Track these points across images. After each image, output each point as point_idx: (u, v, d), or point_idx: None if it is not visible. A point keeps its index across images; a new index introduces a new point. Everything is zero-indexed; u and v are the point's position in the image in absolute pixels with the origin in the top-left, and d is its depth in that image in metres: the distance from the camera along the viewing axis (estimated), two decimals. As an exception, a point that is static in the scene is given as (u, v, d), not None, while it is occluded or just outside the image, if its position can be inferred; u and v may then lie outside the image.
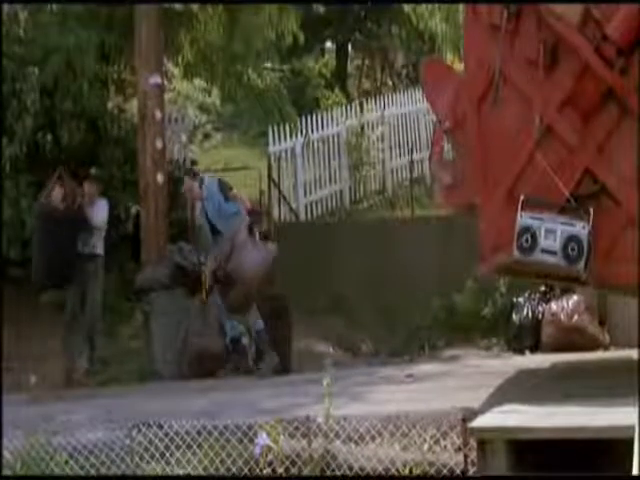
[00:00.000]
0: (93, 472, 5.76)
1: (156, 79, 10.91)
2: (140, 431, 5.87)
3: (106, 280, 11.30)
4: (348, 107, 15.45)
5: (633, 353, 8.18)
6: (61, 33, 11.23)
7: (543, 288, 10.01)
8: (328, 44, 20.74)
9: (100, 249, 10.41)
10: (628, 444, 4.76)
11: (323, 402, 5.58)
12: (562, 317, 9.66)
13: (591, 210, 6.35)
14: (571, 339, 9.50)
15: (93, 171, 11.12)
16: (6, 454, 5.85)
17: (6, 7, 11.92)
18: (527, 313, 10.01)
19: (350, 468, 5.55)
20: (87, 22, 11.93)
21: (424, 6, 14.90)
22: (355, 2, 17.94)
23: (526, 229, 6.35)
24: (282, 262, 10.84)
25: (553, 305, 9.79)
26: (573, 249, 6.29)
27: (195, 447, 5.76)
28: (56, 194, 10.10)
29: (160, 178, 10.80)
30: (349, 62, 21.04)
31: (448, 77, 7.28)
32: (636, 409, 4.90)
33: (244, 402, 7.58)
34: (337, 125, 14.76)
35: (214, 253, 9.72)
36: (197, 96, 18.68)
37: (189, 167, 12.48)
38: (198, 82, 16.89)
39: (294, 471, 5.45)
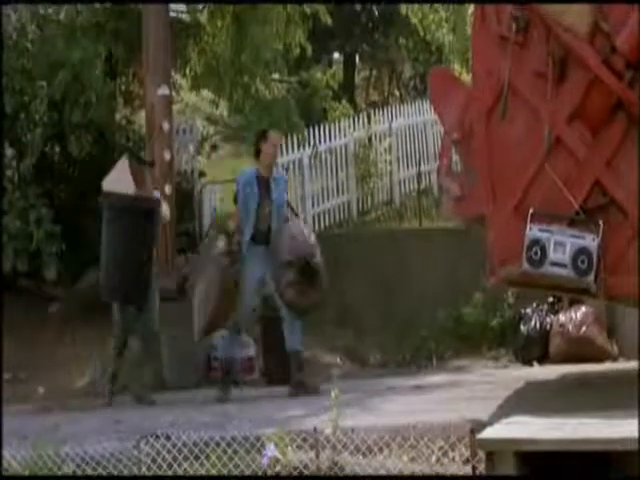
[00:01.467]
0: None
1: (164, 90, 10.95)
2: (148, 442, 5.87)
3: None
4: (356, 118, 15.47)
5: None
6: (68, 46, 11.27)
7: (551, 299, 10.00)
8: (335, 55, 20.78)
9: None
10: (637, 455, 4.76)
11: (331, 413, 5.57)
12: (570, 328, 9.64)
13: (600, 222, 6.36)
14: (579, 350, 9.48)
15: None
16: (14, 464, 5.85)
17: (14, 20, 11.99)
18: (535, 324, 10.00)
19: (358, 480, 5.55)
20: (95, 34, 11.98)
21: (431, 17, 14.92)
22: (367, 2, 17.88)
23: (535, 242, 6.35)
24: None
25: (561, 316, 9.78)
26: (583, 261, 6.29)
27: (203, 458, 5.76)
28: (128, 181, 8.15)
29: (168, 189, 10.84)
30: (356, 73, 21.07)
31: (456, 89, 7.29)
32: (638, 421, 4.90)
33: (252, 413, 7.58)
34: (345, 136, 14.77)
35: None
36: (205, 107, 18.71)
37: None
38: (206, 94, 16.93)
39: (302, 483, 5.45)
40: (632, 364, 8.89)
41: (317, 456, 5.58)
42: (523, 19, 6.57)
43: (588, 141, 6.49)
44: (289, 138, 13.69)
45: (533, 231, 6.38)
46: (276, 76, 15.67)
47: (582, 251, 6.30)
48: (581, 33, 6.41)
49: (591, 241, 6.31)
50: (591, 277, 6.30)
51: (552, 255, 6.32)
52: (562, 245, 6.32)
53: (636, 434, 4.79)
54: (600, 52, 6.38)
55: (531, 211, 6.42)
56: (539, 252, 6.33)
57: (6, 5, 11.61)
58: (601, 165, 6.46)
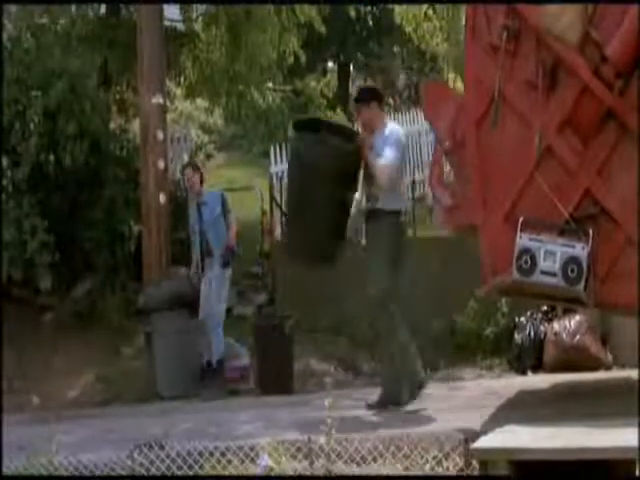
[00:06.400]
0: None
1: (158, 99, 10.96)
2: (141, 452, 5.87)
3: (108, 300, 11.33)
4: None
5: (635, 373, 8.18)
6: (64, 56, 11.28)
7: (545, 308, 10.00)
8: (330, 64, 20.84)
9: None
10: (630, 465, 4.77)
11: (325, 423, 5.57)
12: (564, 337, 9.63)
13: (590, 231, 6.38)
14: (573, 359, 9.47)
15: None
16: (8, 475, 5.85)
17: (10, 28, 12.00)
18: (529, 333, 9.98)
19: (352, 489, 5.54)
20: (90, 44, 12.00)
21: (425, 26, 14.96)
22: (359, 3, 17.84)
23: (525, 250, 6.37)
24: (284, 281, 10.86)
25: (555, 325, 9.77)
26: (573, 270, 6.31)
27: (197, 468, 5.76)
28: None
29: (162, 198, 10.83)
30: (351, 82, 21.12)
31: (448, 98, 7.32)
32: (637, 430, 4.90)
33: (246, 422, 7.57)
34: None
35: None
36: (199, 116, 18.74)
37: (190, 160, 12.01)
38: (200, 102, 16.95)
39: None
40: (626, 372, 8.90)
41: (311, 465, 5.58)
42: (514, 28, 6.60)
43: (579, 150, 6.51)
44: (283, 146, 13.70)
45: (523, 240, 6.39)
46: (270, 85, 15.72)
47: (572, 260, 6.32)
48: (571, 42, 6.44)
49: (581, 250, 6.33)
50: (581, 286, 6.32)
51: (542, 264, 6.34)
52: (552, 254, 6.34)
53: (634, 442, 4.80)
54: (590, 61, 6.41)
55: (521, 220, 6.44)
56: (529, 261, 6.35)
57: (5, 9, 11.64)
58: (592, 174, 6.48)
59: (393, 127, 7.76)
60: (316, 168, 7.34)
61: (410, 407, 7.48)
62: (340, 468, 5.60)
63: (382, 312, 7.56)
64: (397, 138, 7.59)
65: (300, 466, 5.60)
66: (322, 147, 7.44)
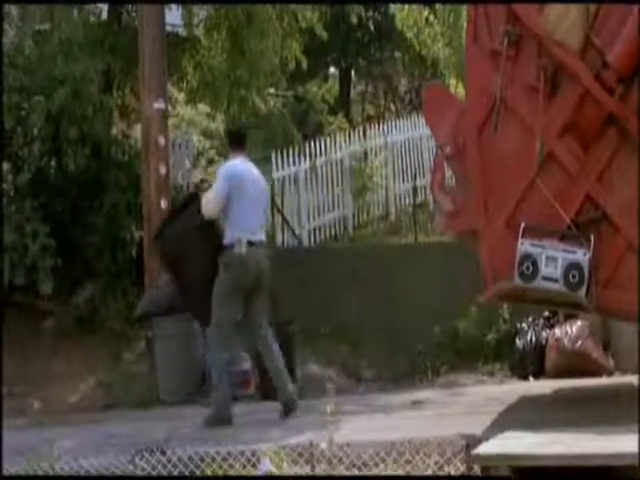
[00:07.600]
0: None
1: (160, 104, 10.96)
2: (143, 457, 5.86)
3: (109, 305, 11.33)
4: (352, 133, 15.49)
5: (636, 379, 8.18)
6: (66, 62, 11.28)
7: (547, 313, 10.00)
8: (331, 70, 20.85)
9: None
10: (632, 470, 4.76)
11: (326, 428, 5.57)
12: (566, 342, 9.62)
13: (592, 237, 6.38)
14: (575, 365, 9.47)
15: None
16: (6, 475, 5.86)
17: (12, 35, 12.00)
18: (531, 339, 9.99)
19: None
20: (92, 49, 12.00)
21: (427, 32, 14.97)
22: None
23: (527, 256, 6.37)
24: (286, 288, 10.84)
25: (557, 330, 9.76)
26: (574, 276, 6.32)
27: (198, 473, 5.76)
28: None
29: (163, 203, 10.84)
30: (352, 88, 21.13)
31: (449, 103, 7.32)
32: (638, 436, 4.90)
33: (247, 427, 7.57)
34: (341, 151, 14.79)
35: None
36: (201, 121, 18.74)
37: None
38: (202, 107, 16.96)
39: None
40: (628, 378, 8.89)
41: (313, 470, 5.58)
42: (515, 34, 6.61)
43: (579, 155, 6.52)
44: (285, 152, 13.70)
45: (525, 246, 6.40)
46: (272, 90, 15.72)
47: (573, 266, 6.32)
48: (573, 48, 6.45)
49: (582, 256, 6.34)
50: (582, 292, 6.32)
51: (544, 270, 6.34)
52: (554, 260, 6.35)
53: (634, 449, 4.79)
54: (592, 67, 6.42)
55: (523, 226, 6.44)
56: (531, 267, 6.35)
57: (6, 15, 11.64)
58: (593, 179, 6.49)
59: (228, 163, 8.19)
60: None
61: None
62: (342, 473, 5.59)
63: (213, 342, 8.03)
64: (220, 172, 8.05)
65: (302, 471, 5.59)
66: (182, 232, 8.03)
